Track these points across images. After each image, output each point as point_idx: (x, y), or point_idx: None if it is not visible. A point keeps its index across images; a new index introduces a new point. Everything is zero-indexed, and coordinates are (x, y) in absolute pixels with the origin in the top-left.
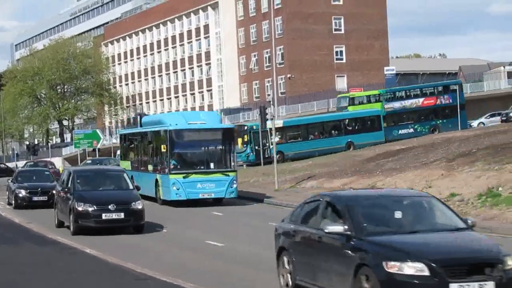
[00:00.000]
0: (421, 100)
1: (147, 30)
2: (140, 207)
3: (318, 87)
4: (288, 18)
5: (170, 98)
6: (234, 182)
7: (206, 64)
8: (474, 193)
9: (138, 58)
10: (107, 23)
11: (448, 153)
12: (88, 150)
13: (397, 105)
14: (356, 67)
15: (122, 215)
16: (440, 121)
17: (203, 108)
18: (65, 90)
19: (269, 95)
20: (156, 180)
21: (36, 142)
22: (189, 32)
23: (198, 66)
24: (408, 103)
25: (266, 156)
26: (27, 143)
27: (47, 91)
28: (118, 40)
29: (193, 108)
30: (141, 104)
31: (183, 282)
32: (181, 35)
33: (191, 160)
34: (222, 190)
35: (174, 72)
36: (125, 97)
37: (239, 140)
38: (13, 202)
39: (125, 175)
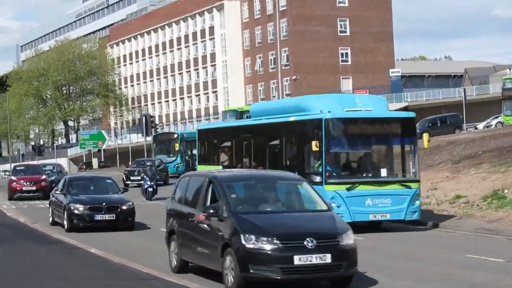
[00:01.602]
0: None
1: (152, 32)
2: (351, 242)
3: (323, 89)
4: (293, 20)
5: (175, 100)
6: (418, 197)
7: (211, 65)
8: (480, 195)
9: (143, 60)
10: (113, 24)
11: (454, 155)
12: (94, 151)
13: None
14: (361, 69)
15: (328, 259)
16: None
17: (208, 110)
18: (71, 91)
19: (274, 96)
20: None
21: (41, 143)
22: (194, 33)
23: (203, 68)
24: None
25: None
26: (33, 143)
27: (52, 92)
28: (123, 42)
29: (198, 110)
30: (146, 105)
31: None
32: (186, 36)
33: (355, 164)
34: (401, 209)
35: (179, 74)
36: (130, 98)
37: None
38: (65, 221)
39: (306, 184)
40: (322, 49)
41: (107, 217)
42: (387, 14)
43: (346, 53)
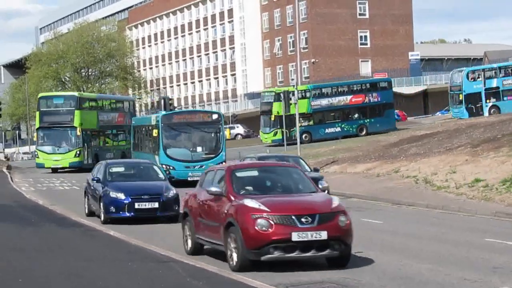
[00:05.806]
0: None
1: (171, 14)
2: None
3: (342, 72)
4: (312, 2)
5: (194, 82)
6: None
7: (230, 48)
8: (499, 179)
9: (162, 42)
10: (131, 7)
11: (473, 139)
12: None
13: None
14: (380, 52)
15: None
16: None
17: (226, 93)
18: (89, 73)
19: (292, 79)
20: None
21: None
22: (213, 16)
23: (222, 50)
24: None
25: None
26: None
27: (71, 74)
28: (142, 24)
29: (216, 93)
30: (164, 88)
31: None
32: (205, 19)
33: None
34: None
35: (198, 56)
36: (149, 81)
37: None
38: None
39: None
40: (341, 31)
41: None
42: None
43: (365, 36)
